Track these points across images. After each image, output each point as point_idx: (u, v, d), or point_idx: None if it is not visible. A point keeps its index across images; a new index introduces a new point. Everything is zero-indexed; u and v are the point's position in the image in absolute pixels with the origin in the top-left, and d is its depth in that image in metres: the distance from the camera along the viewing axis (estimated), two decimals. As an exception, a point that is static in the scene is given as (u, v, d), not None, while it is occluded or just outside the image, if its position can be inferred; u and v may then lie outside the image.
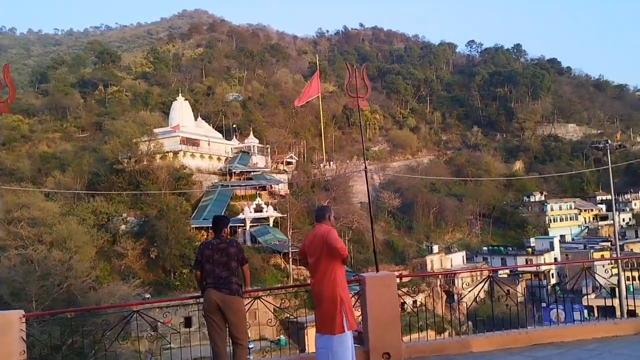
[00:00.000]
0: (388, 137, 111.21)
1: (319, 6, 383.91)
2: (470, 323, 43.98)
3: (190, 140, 71.61)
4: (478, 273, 62.31)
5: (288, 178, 77.89)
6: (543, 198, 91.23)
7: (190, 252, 48.58)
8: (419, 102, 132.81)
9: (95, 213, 51.55)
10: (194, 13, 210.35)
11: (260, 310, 7.26)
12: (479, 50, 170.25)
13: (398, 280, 7.25)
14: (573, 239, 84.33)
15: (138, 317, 6.90)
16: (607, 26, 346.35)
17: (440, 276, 56.12)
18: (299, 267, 54.54)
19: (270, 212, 61.35)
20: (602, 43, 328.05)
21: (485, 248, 76.00)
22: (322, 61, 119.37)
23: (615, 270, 36.21)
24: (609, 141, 43.13)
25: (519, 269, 63.72)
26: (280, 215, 61.20)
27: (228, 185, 66.76)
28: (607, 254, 67.66)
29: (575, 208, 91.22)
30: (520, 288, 54.27)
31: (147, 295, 42.83)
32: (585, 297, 45.62)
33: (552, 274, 66.55)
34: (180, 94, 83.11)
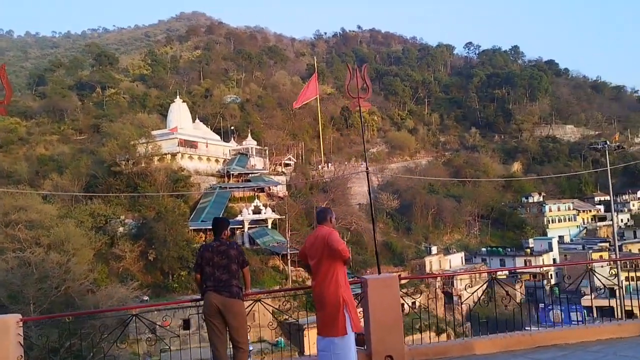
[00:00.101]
0: (386, 138, 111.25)
1: (316, 8, 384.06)
2: (469, 324, 43.94)
3: (188, 142, 71.51)
4: (477, 274, 62.39)
5: (286, 180, 77.85)
6: (541, 199, 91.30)
7: (189, 254, 48.48)
8: (416, 103, 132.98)
9: (93, 215, 51.43)
10: (192, 15, 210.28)
11: (259, 312, 7.18)
12: (477, 52, 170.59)
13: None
14: (572, 240, 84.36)
15: (136, 320, 6.82)
16: (605, 27, 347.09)
17: (439, 277, 56.14)
18: (298, 268, 54.44)
19: (268, 214, 61.29)
20: (599, 44, 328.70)
21: (484, 249, 75.98)
22: (320, 63, 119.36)
23: (613, 271, 36.22)
24: (608, 142, 43.18)
25: (517, 269, 63.65)
26: (278, 217, 61.15)
27: (226, 187, 66.66)
28: (605, 255, 67.72)
29: (573, 209, 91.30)
30: (519, 289, 54.30)
31: (146, 298, 42.68)
32: (585, 297, 45.65)
33: (551, 275, 66.59)
34: (178, 96, 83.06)
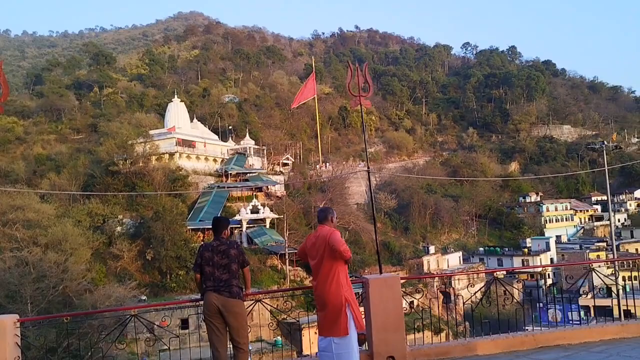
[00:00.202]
0: (384, 138, 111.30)
1: (314, 8, 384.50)
2: (467, 324, 43.94)
3: (186, 142, 71.40)
4: (475, 274, 62.45)
5: (284, 179, 77.79)
6: (539, 199, 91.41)
7: (187, 254, 48.41)
8: (414, 103, 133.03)
9: (91, 215, 51.33)
10: (190, 15, 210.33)
11: (256, 312, 7.12)
12: (474, 52, 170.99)
13: None
14: (569, 240, 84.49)
15: (135, 320, 6.75)
16: (602, 28, 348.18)
17: (439, 277, 56.11)
18: (296, 268, 54.40)
19: (266, 214, 61.23)
20: (597, 45, 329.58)
21: (481, 249, 76.02)
22: (317, 63, 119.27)
23: (610, 271, 36.31)
24: (605, 142, 43.18)
25: (517, 269, 63.70)
26: (276, 216, 61.09)
27: (224, 187, 66.57)
28: (602, 254, 67.84)
29: (570, 209, 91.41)
30: (519, 288, 54.37)
31: (143, 297, 42.58)
32: (583, 297, 45.71)
33: (549, 275, 66.63)
34: (175, 96, 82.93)
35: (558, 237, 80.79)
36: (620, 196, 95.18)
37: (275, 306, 7.50)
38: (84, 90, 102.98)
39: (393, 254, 65.69)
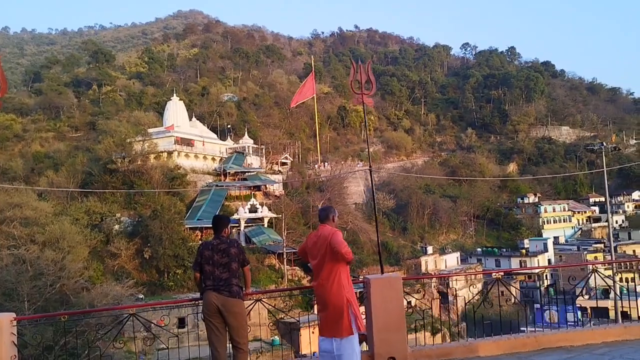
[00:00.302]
0: (383, 138, 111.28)
1: (314, 8, 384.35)
2: (464, 324, 43.94)
3: (185, 140, 71.29)
4: (473, 275, 62.40)
5: (283, 179, 77.71)
6: (537, 200, 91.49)
7: (184, 253, 48.34)
8: (413, 103, 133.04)
9: (89, 213, 51.20)
10: (189, 13, 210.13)
11: (254, 311, 7.05)
12: (473, 52, 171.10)
13: None
14: (566, 241, 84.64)
15: (132, 318, 6.68)
16: (601, 30, 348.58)
17: (439, 277, 56.07)
18: (294, 267, 54.35)
19: (264, 213, 61.16)
20: (596, 46, 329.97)
21: (479, 249, 76.06)
22: (317, 62, 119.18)
23: (608, 272, 36.30)
24: (604, 143, 43.23)
25: (515, 270, 63.68)
26: (274, 215, 61.02)
27: (223, 186, 66.48)
28: (600, 256, 67.96)
29: (568, 210, 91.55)
30: (514, 289, 54.31)
31: (141, 296, 42.51)
32: (582, 298, 45.68)
33: (546, 276, 66.67)
34: (174, 94, 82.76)
35: (556, 238, 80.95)
36: (618, 198, 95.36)
37: (273, 305, 7.42)
38: (82, 88, 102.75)
39: (391, 254, 65.68)
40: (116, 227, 51.99)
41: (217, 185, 66.00)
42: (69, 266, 35.62)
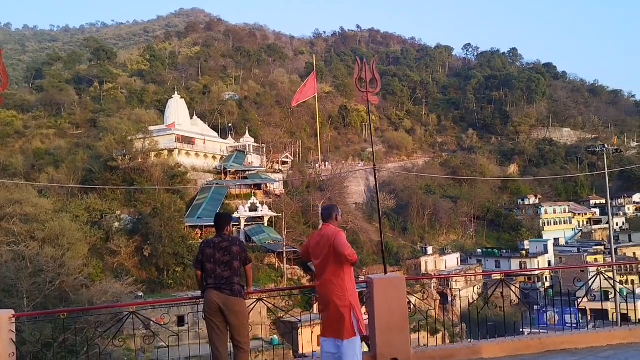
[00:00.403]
0: (384, 138, 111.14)
1: (316, 7, 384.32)
2: (463, 325, 43.84)
3: (186, 139, 71.22)
4: (474, 276, 62.32)
5: (283, 178, 77.64)
6: (537, 201, 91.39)
7: (184, 251, 48.29)
8: (414, 104, 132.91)
9: (89, 210, 51.16)
10: (191, 12, 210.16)
11: (253, 310, 6.98)
12: (475, 53, 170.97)
13: None
14: (567, 243, 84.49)
15: (133, 317, 6.61)
16: (603, 32, 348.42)
17: (442, 278, 56.01)
18: (293, 266, 54.30)
19: (265, 212, 61.10)
20: (597, 49, 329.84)
21: (479, 250, 75.94)
22: (318, 62, 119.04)
23: (609, 274, 36.24)
24: (606, 145, 43.12)
25: (518, 271, 63.59)
26: (275, 214, 60.96)
27: (223, 184, 66.43)
28: (600, 258, 67.86)
29: (569, 212, 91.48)
30: (514, 290, 54.22)
31: (140, 294, 42.47)
32: (585, 300, 45.54)
33: (546, 277, 66.61)
34: (176, 92, 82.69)
35: (556, 239, 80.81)
36: (619, 200, 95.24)
37: (272, 304, 7.35)
38: (84, 85, 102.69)
39: (391, 254, 65.64)
40: (116, 224, 51.95)
41: (217, 184, 65.95)
42: (69, 263, 35.58)
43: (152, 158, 62.73)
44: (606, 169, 38.08)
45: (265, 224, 61.18)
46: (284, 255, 52.26)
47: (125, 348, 29.16)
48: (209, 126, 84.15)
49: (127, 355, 29.14)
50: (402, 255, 65.98)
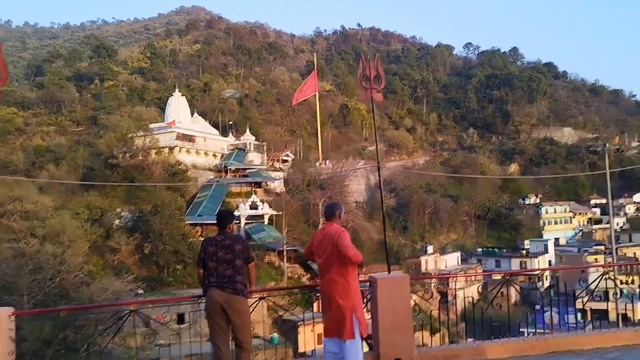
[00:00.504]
0: (384, 137, 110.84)
1: (316, 5, 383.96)
2: (463, 324, 43.77)
3: (186, 136, 71.16)
4: (477, 275, 62.20)
5: (284, 176, 77.60)
6: (538, 201, 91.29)
7: (184, 249, 48.23)
8: (415, 103, 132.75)
9: (89, 207, 51.05)
10: (192, 9, 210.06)
11: (254, 309, 6.91)
12: (476, 52, 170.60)
13: None
14: (567, 242, 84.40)
15: (133, 315, 6.54)
16: (603, 32, 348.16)
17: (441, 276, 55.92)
18: (293, 265, 54.26)
19: (265, 210, 61.05)
20: (598, 48, 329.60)
21: (479, 249, 75.86)
22: (319, 60, 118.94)
23: (610, 274, 36.20)
24: (607, 145, 43.03)
25: (521, 271, 63.51)
26: (275, 213, 60.91)
27: (224, 182, 66.37)
28: (600, 258, 67.79)
29: (569, 211, 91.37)
30: (514, 290, 54.19)
31: (140, 291, 42.40)
32: (583, 300, 45.52)
33: (546, 277, 66.55)
34: (176, 90, 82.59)
35: (556, 239, 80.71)
36: (620, 200, 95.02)
37: (272, 302, 7.29)
38: (84, 83, 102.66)
39: (391, 253, 65.18)
40: (116, 222, 51.87)
41: (218, 182, 65.90)
42: (69, 260, 35.53)
43: (152, 155, 62.64)
44: (607, 168, 37.96)
45: (266, 222, 61.13)
46: (284, 253, 52.21)
47: (125, 346, 29.15)
48: (209, 124, 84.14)
49: (127, 353, 29.10)
50: (403, 254, 65.92)
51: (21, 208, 41.74)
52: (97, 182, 51.91)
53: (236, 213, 58.63)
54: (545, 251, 72.08)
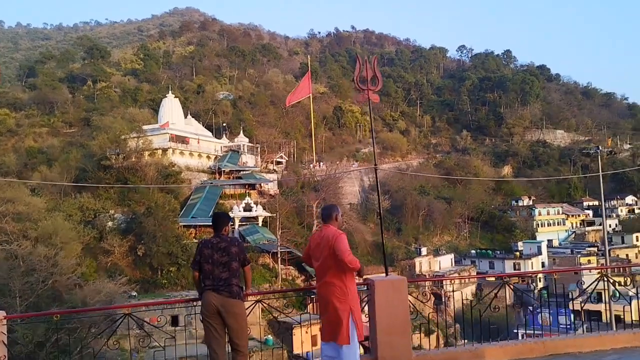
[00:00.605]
0: (378, 139, 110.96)
1: (311, 7, 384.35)
2: (457, 325, 43.80)
3: (180, 138, 70.96)
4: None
5: (278, 178, 77.50)
6: (531, 202, 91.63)
7: (178, 250, 48.03)
8: (409, 105, 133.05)
9: (82, 209, 50.81)
10: (185, 11, 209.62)
11: (249, 310, 6.84)
12: (470, 55, 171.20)
13: None
14: (560, 244, 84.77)
15: (127, 318, 6.46)
16: (597, 35, 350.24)
17: (429, 277, 56.01)
18: (287, 267, 54.14)
19: (259, 212, 60.94)
20: (591, 51, 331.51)
21: (473, 251, 76.05)
22: (313, 62, 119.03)
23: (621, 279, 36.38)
24: (600, 147, 43.19)
25: (511, 274, 63.65)
26: (269, 214, 60.80)
27: (217, 184, 66.23)
28: (593, 259, 68.14)
29: (562, 213, 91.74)
30: (507, 292, 54.29)
31: (134, 293, 42.20)
32: (574, 301, 45.65)
33: (539, 278, 66.75)
34: (170, 91, 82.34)
35: (549, 241, 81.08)
36: (612, 202, 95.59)
37: (267, 304, 7.23)
38: (77, 84, 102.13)
39: (385, 255, 65.57)
40: (110, 223, 51.60)
41: (211, 183, 65.74)
42: (62, 262, 35.27)
43: (145, 157, 62.36)
44: (600, 170, 38.13)
45: (260, 224, 61.01)
46: (279, 255, 52.10)
47: (119, 348, 28.96)
48: (203, 126, 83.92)
49: (120, 355, 28.92)
50: (397, 255, 65.95)
51: (13, 210, 41.43)
52: (90, 184, 51.61)
53: (230, 215, 58.43)
54: (539, 253, 72.31)
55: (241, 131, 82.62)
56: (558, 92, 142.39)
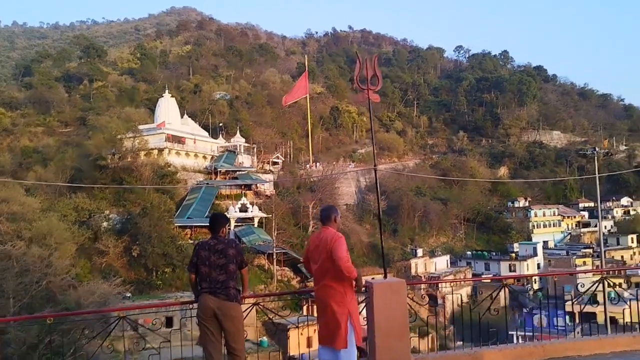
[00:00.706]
0: (374, 139, 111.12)
1: (308, 7, 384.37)
2: (452, 327, 43.80)
3: (176, 138, 70.82)
4: (460, 278, 62.23)
5: (274, 178, 77.38)
6: (527, 204, 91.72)
7: (173, 251, 47.88)
8: (406, 105, 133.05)
9: (77, 209, 50.56)
10: (182, 10, 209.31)
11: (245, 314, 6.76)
12: (467, 55, 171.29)
13: None
14: (556, 245, 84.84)
15: (122, 321, 6.37)
16: (593, 36, 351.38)
17: (425, 278, 55.91)
18: (283, 268, 54.07)
19: (255, 212, 60.85)
20: (588, 52, 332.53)
21: (469, 252, 76.07)
22: (310, 62, 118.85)
23: (597, 278, 36.42)
24: (597, 148, 43.31)
25: (507, 276, 63.69)
26: (265, 215, 60.71)
27: (213, 184, 66.09)
28: (589, 261, 68.24)
29: (558, 214, 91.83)
30: (503, 293, 54.26)
31: (128, 294, 42.01)
32: (568, 303, 45.68)
33: (535, 280, 66.82)
34: (166, 91, 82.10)
35: (545, 242, 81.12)
36: (608, 203, 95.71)
37: (262, 306, 7.16)
38: (73, 83, 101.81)
39: (381, 256, 65.51)
40: (104, 224, 51.38)
41: (207, 184, 65.59)
42: (56, 263, 35.05)
43: (141, 157, 62.23)
44: (597, 171, 38.24)
45: (256, 225, 60.91)
46: (274, 256, 52.01)
47: (113, 350, 28.80)
48: (199, 126, 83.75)
49: (114, 357, 28.77)
50: (392, 257, 65.85)
51: (8, 210, 41.15)
52: (85, 184, 51.40)
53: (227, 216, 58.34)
54: (534, 254, 72.35)
55: (238, 131, 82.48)
56: (555, 93, 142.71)
